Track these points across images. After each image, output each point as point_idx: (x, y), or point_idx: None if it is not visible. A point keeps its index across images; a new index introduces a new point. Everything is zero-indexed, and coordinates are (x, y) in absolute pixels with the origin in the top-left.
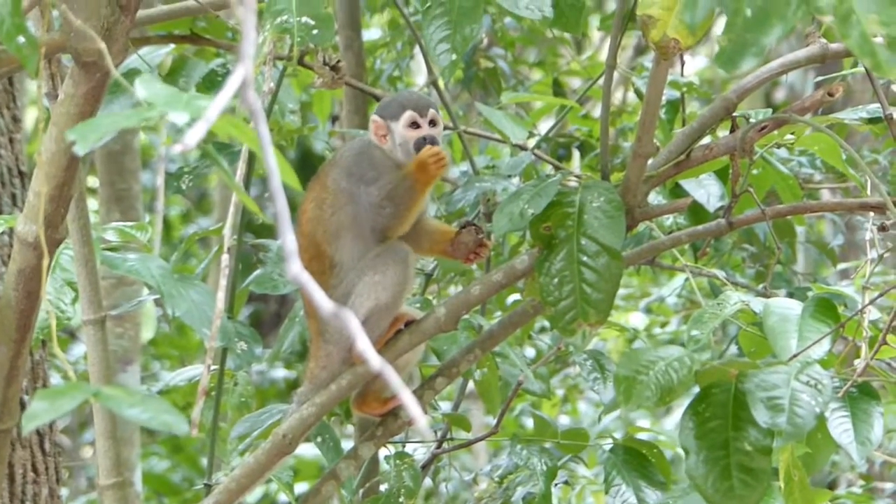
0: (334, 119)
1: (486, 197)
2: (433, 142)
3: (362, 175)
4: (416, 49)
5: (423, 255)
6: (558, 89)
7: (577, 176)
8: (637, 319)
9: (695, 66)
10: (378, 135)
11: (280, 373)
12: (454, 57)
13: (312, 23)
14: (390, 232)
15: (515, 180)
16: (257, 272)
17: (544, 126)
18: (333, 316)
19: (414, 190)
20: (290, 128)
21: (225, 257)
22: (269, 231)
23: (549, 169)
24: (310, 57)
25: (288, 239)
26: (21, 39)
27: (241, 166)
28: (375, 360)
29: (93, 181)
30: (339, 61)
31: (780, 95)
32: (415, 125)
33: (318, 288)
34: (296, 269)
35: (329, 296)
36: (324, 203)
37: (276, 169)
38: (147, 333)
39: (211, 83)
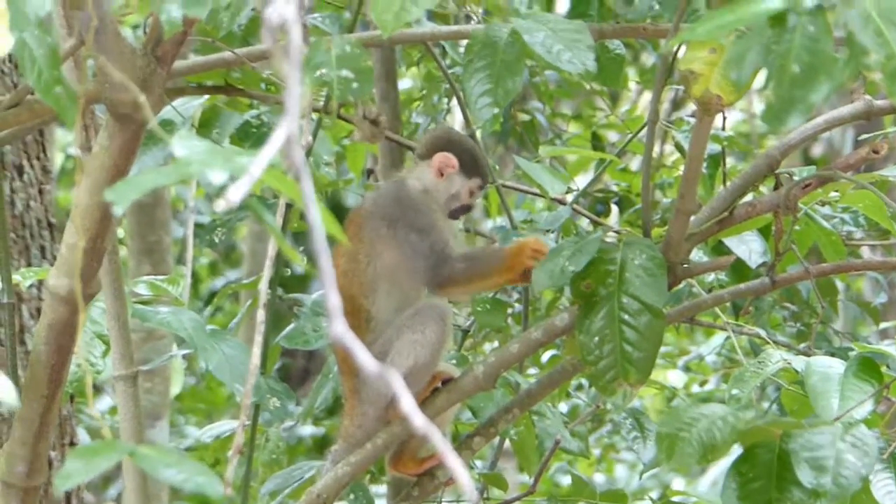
0: (369, 172)
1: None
2: (471, 209)
3: (410, 222)
4: (454, 101)
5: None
6: (597, 143)
7: (617, 232)
8: (675, 377)
9: (731, 119)
10: (439, 168)
11: (308, 430)
12: (496, 110)
13: (352, 76)
14: (446, 290)
15: (554, 236)
16: (290, 327)
17: (582, 180)
18: (377, 376)
19: (493, 268)
20: (324, 180)
21: (260, 312)
22: (299, 284)
23: (587, 224)
24: (347, 110)
25: (332, 296)
26: (59, 90)
27: (278, 219)
28: (421, 422)
29: (121, 232)
30: (379, 114)
31: (818, 151)
32: (473, 194)
33: (363, 348)
34: (340, 328)
35: None
36: (358, 254)
37: (321, 227)
38: (175, 388)
39: (245, 134)
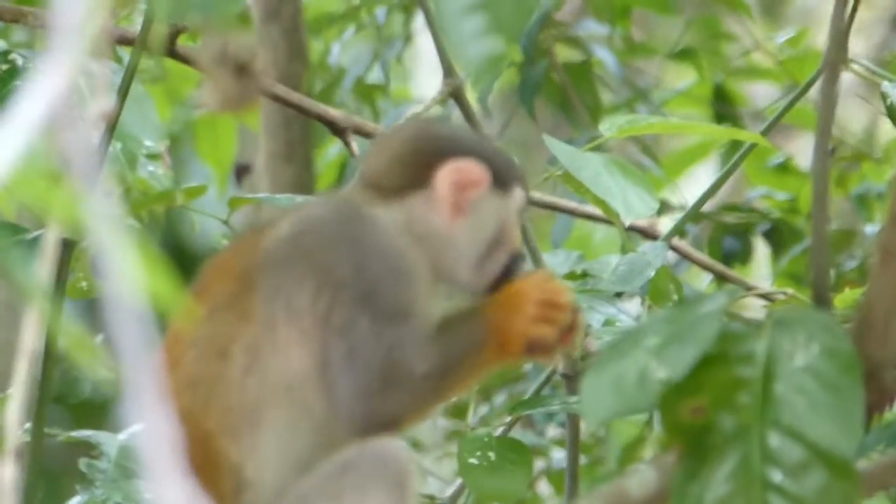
0: (241, 171)
1: None
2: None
3: (371, 296)
4: (418, 22)
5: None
6: (725, 107)
7: (764, 296)
8: None
9: None
10: (455, 197)
11: None
12: (499, 46)
13: None
14: (395, 425)
15: (633, 305)
16: (74, 501)
17: (692, 189)
18: None
19: (472, 360)
20: (148, 189)
21: (7, 471)
22: (94, 414)
23: (703, 281)
24: (189, 39)
25: (157, 437)
26: None
27: (44, 272)
28: None
29: None
30: (253, 53)
31: None
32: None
33: None
34: (179, 491)
35: None
36: (229, 346)
37: (135, 289)
38: None
39: None
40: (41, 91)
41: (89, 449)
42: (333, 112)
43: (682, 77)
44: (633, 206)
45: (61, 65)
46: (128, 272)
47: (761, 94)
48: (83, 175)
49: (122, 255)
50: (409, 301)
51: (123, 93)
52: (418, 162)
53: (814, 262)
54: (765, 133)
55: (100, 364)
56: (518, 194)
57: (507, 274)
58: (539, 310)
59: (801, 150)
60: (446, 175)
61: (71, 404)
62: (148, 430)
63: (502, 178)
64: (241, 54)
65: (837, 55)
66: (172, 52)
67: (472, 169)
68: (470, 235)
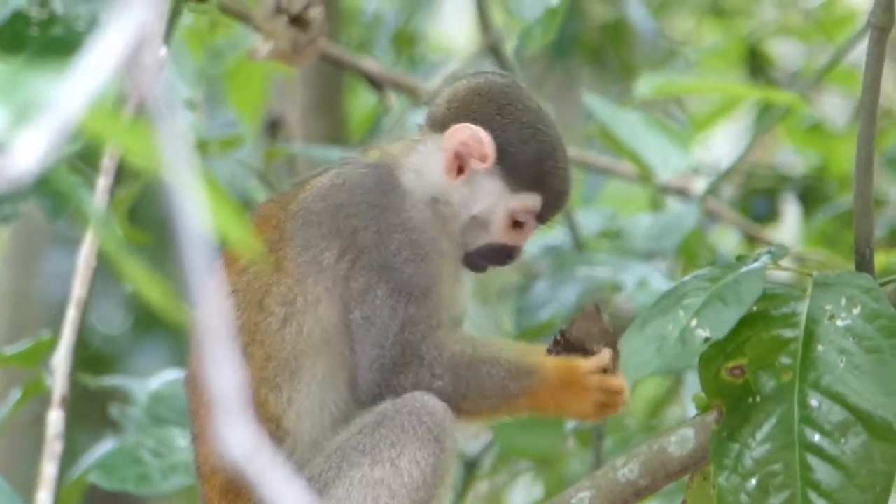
0: (274, 123)
1: (599, 300)
2: (512, 257)
3: (384, 261)
4: None
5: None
6: (758, 64)
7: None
8: None
9: None
10: (455, 156)
11: None
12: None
13: None
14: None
15: (665, 264)
16: (107, 449)
17: (725, 148)
18: None
19: (508, 394)
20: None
21: (55, 417)
22: (102, 365)
23: (730, 242)
24: None
25: (224, 373)
26: None
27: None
28: None
29: None
30: (308, 6)
31: None
32: (521, 224)
33: (284, 470)
34: (241, 433)
35: None
36: (266, 299)
37: (206, 228)
38: None
39: (16, 39)
40: (115, 35)
41: (119, 397)
42: (372, 66)
43: (713, 35)
44: (671, 161)
45: (134, 10)
46: (199, 209)
47: (791, 53)
48: (157, 115)
49: (194, 192)
50: (428, 280)
51: (166, 41)
52: (454, 110)
53: (857, 224)
54: (803, 94)
55: (171, 304)
56: (531, 201)
57: (488, 258)
58: (603, 396)
59: (838, 110)
60: (456, 133)
61: (89, 352)
62: (216, 370)
63: (518, 174)
64: (297, 5)
65: (884, 16)
66: (224, 8)
67: (480, 142)
68: (458, 199)
